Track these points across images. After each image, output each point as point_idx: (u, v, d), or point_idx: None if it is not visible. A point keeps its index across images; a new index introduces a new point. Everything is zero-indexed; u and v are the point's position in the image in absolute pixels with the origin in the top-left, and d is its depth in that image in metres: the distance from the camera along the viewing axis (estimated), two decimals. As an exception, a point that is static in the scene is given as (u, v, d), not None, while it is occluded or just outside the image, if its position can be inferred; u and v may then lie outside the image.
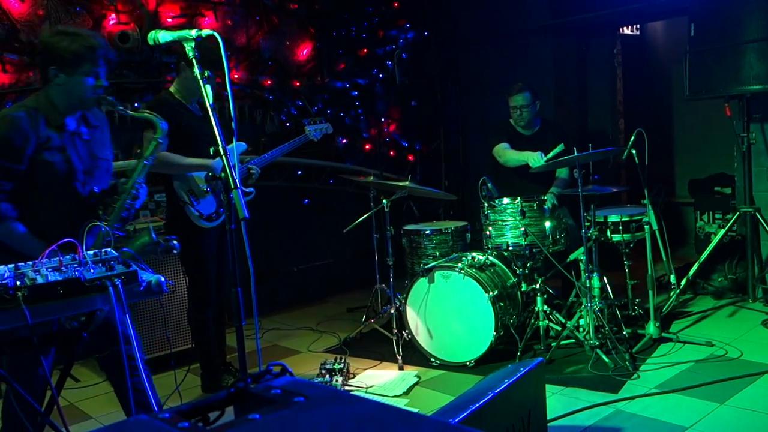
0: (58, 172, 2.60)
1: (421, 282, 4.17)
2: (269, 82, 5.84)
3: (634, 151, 4.20)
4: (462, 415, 2.13)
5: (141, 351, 2.80)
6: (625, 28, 7.00)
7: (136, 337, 2.79)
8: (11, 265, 2.04)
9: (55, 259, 2.06)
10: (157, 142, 2.73)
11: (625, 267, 4.48)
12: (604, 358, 3.81)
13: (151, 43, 2.56)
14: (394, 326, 4.26)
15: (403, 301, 4.25)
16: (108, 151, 2.85)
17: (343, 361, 3.93)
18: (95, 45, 2.57)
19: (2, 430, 2.68)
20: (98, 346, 2.68)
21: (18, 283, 1.88)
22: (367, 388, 3.82)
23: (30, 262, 2.06)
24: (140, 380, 2.55)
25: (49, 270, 2.00)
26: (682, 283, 4.83)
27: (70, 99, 2.62)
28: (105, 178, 2.80)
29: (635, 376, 3.68)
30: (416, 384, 3.86)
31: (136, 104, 2.82)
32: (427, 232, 4.65)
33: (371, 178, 4.63)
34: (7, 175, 2.52)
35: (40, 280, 1.93)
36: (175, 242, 2.57)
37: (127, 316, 2.77)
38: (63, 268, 2.03)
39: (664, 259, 4.45)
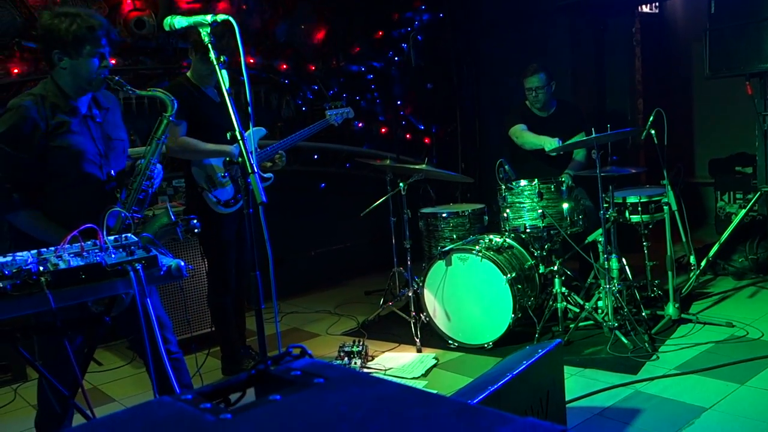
0: (74, 157, 2.57)
1: (439, 265, 4.17)
2: (285, 66, 5.84)
3: (653, 131, 4.15)
4: (480, 397, 2.14)
5: (172, 332, 2.85)
6: (643, 6, 6.89)
7: (166, 319, 2.84)
8: (34, 251, 2.07)
9: (76, 244, 2.09)
10: (169, 120, 2.68)
11: (644, 248, 4.45)
12: (623, 339, 3.80)
13: (167, 29, 2.55)
14: (412, 309, 4.27)
15: (420, 284, 4.25)
16: (122, 131, 2.81)
17: (361, 343, 3.95)
18: (95, 24, 2.51)
19: (37, 413, 2.73)
20: (128, 328, 2.68)
21: (41, 268, 1.91)
22: (385, 370, 3.84)
23: (52, 248, 2.09)
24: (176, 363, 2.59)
25: (71, 255, 2.03)
26: (702, 263, 4.79)
27: (76, 81, 2.57)
28: (121, 159, 2.77)
29: (654, 357, 3.66)
30: (434, 366, 3.88)
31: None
32: (444, 214, 4.65)
33: (388, 161, 4.63)
34: (17, 165, 2.50)
35: (62, 265, 1.95)
36: (194, 221, 2.55)
37: (155, 299, 2.80)
38: (84, 253, 2.05)
39: (684, 239, 4.41)
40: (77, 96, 2.61)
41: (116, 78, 2.62)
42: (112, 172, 2.71)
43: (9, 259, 1.99)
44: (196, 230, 2.52)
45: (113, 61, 4.78)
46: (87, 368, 2.59)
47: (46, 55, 2.57)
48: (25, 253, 2.05)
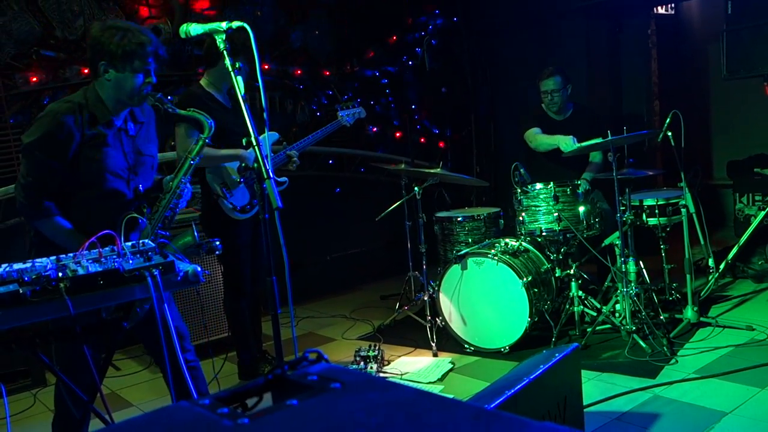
0: (103, 170, 2.57)
1: (454, 269, 4.16)
2: (299, 71, 5.86)
3: (669, 134, 4.12)
4: (497, 401, 2.14)
5: (188, 342, 2.84)
6: (659, 7, 6.85)
7: (184, 329, 2.84)
8: (53, 257, 2.09)
9: (94, 250, 2.11)
10: (204, 141, 2.68)
11: (662, 251, 4.41)
12: (641, 343, 3.77)
13: (182, 36, 2.57)
14: (428, 313, 4.27)
15: (436, 288, 4.25)
16: (154, 147, 2.81)
17: (377, 348, 3.95)
18: (146, 41, 2.51)
19: (54, 417, 2.75)
20: (146, 336, 2.68)
21: (60, 274, 1.93)
22: (401, 374, 3.84)
23: (71, 254, 2.11)
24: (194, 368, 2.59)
25: (90, 261, 2.05)
26: (721, 266, 4.74)
27: (118, 95, 2.57)
28: (149, 174, 2.78)
29: (673, 361, 3.63)
30: (451, 370, 3.87)
31: (169, 97, 2.78)
32: (460, 218, 4.64)
33: (402, 165, 4.63)
34: (49, 173, 2.51)
35: (81, 271, 1.97)
36: (217, 243, 2.56)
37: (173, 309, 2.80)
38: (103, 259, 2.07)
39: (702, 242, 4.37)
40: (116, 109, 2.60)
41: (158, 95, 2.61)
42: (140, 187, 2.71)
43: (28, 265, 2.01)
44: (217, 252, 2.53)
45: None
46: (105, 373, 2.61)
47: (91, 64, 2.57)
48: (44, 259, 2.07)
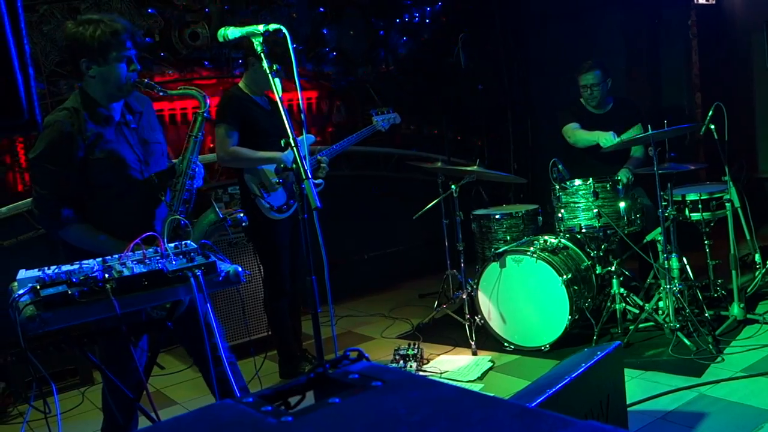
0: (114, 168, 2.56)
1: (493, 267, 4.14)
2: (335, 72, 5.90)
3: (712, 126, 4.03)
4: (539, 400, 2.12)
5: (224, 339, 2.86)
6: (699, -3, 6.69)
7: (218, 326, 2.86)
8: (99, 259, 2.14)
9: (139, 252, 2.16)
10: (203, 117, 2.66)
11: (706, 247, 4.31)
12: (686, 341, 3.70)
13: (220, 39, 2.61)
14: (467, 311, 4.25)
15: (474, 286, 4.23)
16: (159, 133, 2.78)
17: (416, 346, 3.95)
18: (119, 28, 2.47)
19: (104, 421, 2.80)
20: (183, 334, 2.68)
21: (106, 275, 1.98)
22: (441, 373, 3.83)
23: (116, 256, 2.16)
24: (223, 370, 2.53)
25: (134, 263, 2.10)
26: (768, 262, 4.61)
27: (107, 89, 2.54)
28: (162, 162, 2.75)
29: (719, 359, 3.55)
30: (490, 369, 3.85)
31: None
32: (497, 216, 4.61)
33: (439, 163, 4.62)
34: (62, 181, 2.50)
35: (126, 272, 2.02)
36: (241, 215, 2.56)
37: (208, 306, 2.82)
38: (147, 260, 2.12)
39: (748, 237, 4.26)
40: (109, 104, 2.59)
41: (146, 80, 2.60)
42: (155, 177, 2.70)
43: (76, 267, 2.07)
44: (243, 223, 2.53)
45: (171, 74, 4.92)
46: (151, 372, 2.66)
47: (73, 66, 2.55)
48: (90, 261, 2.12)
